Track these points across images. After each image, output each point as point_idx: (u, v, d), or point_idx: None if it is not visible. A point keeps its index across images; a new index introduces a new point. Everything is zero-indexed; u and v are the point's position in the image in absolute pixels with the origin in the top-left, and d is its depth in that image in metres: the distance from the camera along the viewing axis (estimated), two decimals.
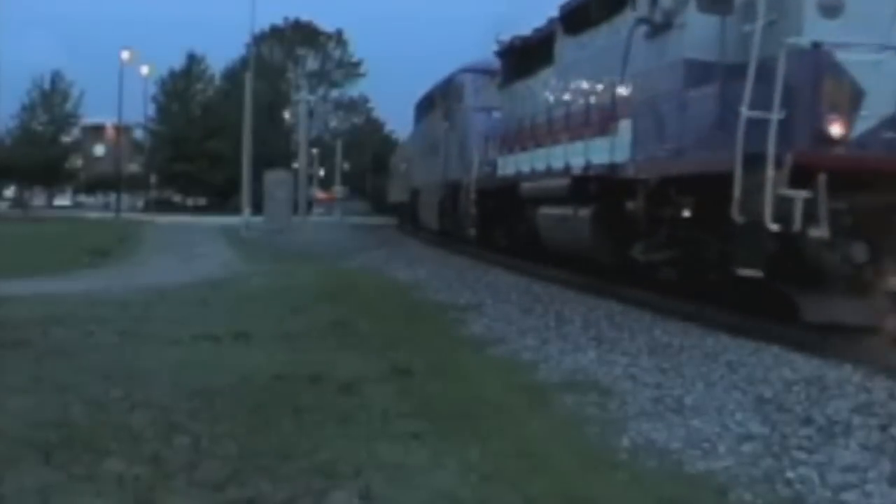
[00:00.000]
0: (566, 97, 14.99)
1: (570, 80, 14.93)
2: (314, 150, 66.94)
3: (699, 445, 5.24)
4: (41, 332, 8.55)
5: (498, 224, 20.65)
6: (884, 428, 5.62)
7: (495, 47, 20.76)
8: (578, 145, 14.09)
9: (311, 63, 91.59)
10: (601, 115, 13.20)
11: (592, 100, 13.72)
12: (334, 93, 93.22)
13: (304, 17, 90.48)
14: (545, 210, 15.84)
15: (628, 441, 5.34)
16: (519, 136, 18.15)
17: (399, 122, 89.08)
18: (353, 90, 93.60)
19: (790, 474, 4.73)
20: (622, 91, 12.34)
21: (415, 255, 23.41)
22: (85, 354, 7.57)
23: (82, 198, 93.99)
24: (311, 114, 56.26)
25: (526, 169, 17.24)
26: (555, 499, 4.29)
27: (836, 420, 5.83)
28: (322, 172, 77.83)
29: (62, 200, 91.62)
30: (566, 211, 14.34)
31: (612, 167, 12.50)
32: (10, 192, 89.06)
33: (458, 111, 25.36)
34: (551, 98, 15.92)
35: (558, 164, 15.08)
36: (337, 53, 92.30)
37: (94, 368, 6.91)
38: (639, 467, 4.85)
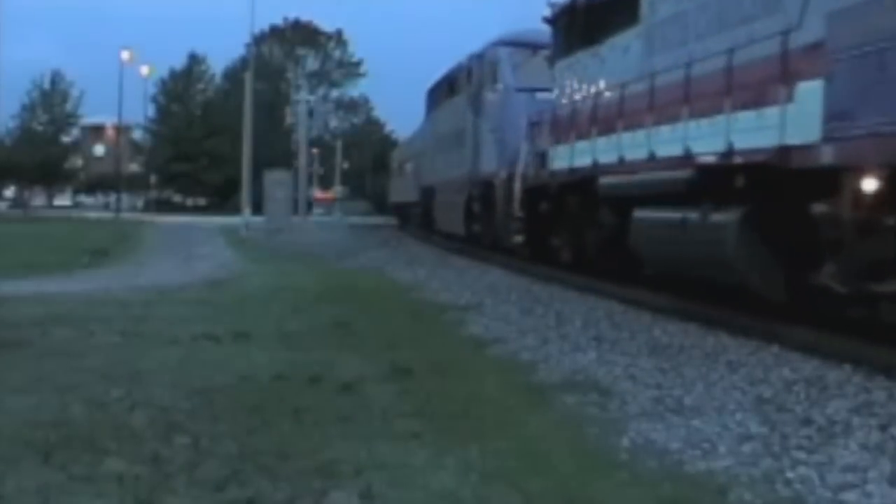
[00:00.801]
0: (676, 60, 11.00)
1: (679, 36, 11.15)
2: (314, 150, 66.92)
3: (699, 445, 5.24)
4: (41, 332, 8.55)
5: (556, 231, 16.31)
6: (884, 428, 5.62)
7: (546, 13, 16.92)
8: (709, 122, 10.14)
9: (311, 63, 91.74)
10: (754, 78, 9.32)
11: (735, 58, 9.64)
12: (334, 93, 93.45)
13: (304, 17, 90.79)
14: (644, 213, 11.66)
15: (628, 441, 5.33)
16: (590, 119, 13.86)
17: (399, 121, 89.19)
18: (353, 90, 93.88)
19: (790, 474, 4.73)
20: (802, 39, 8.52)
21: (415, 256, 23.42)
22: (85, 354, 7.57)
23: (82, 198, 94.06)
24: (310, 114, 56.16)
25: (607, 159, 13.00)
26: (555, 499, 4.29)
27: (836, 420, 5.83)
28: (322, 172, 77.79)
29: (62, 200, 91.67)
30: (685, 215, 10.37)
31: (782, 151, 8.70)
32: (9, 192, 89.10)
33: (491, 93, 21.25)
34: (645, 65, 12.07)
35: (670, 150, 11.01)
36: (337, 53, 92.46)
37: (94, 368, 6.91)
38: (639, 467, 4.85)
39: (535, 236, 17.06)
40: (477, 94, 22.48)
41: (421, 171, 33.32)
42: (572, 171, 14.64)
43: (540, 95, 17.57)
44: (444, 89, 28.34)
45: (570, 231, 15.50)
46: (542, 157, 16.36)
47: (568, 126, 14.96)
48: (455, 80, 26.20)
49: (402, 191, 43.04)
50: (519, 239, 17.67)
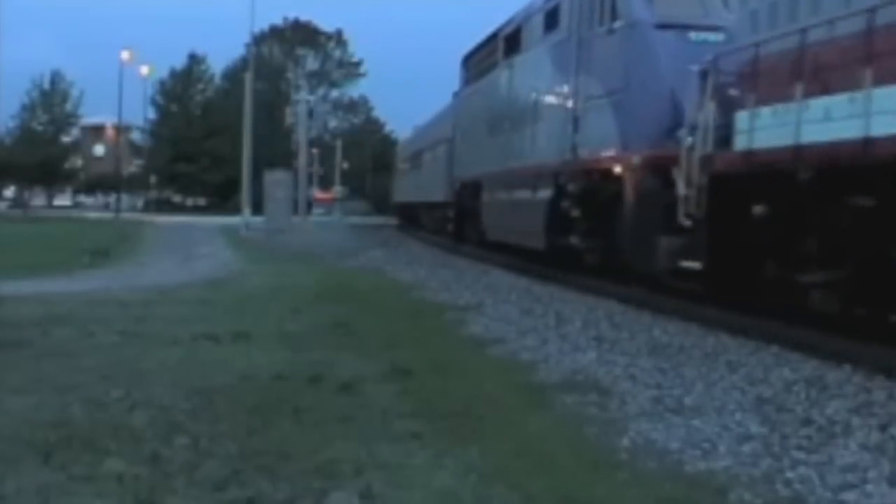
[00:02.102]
0: None
1: None
2: (314, 150, 66.92)
3: (699, 445, 5.24)
4: (41, 332, 8.55)
5: (787, 255, 9.56)
6: (884, 428, 5.62)
7: None
8: None
9: (311, 63, 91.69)
10: None
11: None
12: (334, 93, 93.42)
13: (304, 17, 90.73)
14: None
15: (628, 441, 5.33)
16: (851, 59, 8.12)
17: (399, 121, 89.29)
18: (353, 90, 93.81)
19: (790, 474, 4.73)
20: None
21: (415, 255, 23.41)
22: (85, 354, 7.57)
23: (82, 198, 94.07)
24: (310, 114, 56.15)
25: None
26: (554, 499, 4.29)
27: (836, 420, 5.83)
28: (322, 172, 77.81)
29: (62, 200, 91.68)
30: None
31: None
32: (9, 192, 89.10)
33: (606, 35, 13.67)
34: None
35: None
36: (337, 53, 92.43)
37: (94, 368, 6.91)
38: (639, 467, 4.85)
39: (727, 260, 10.36)
40: (573, 41, 14.89)
41: (456, 162, 25.60)
42: (801, 150, 8.72)
43: (693, 35, 12.06)
44: (498, 47, 20.49)
45: (831, 257, 8.92)
46: (726, 131, 10.29)
47: (789, 76, 9.07)
48: (524, 29, 18.41)
49: (412, 189, 38.90)
50: (692, 264, 10.72)
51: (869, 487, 4.54)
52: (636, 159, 12.53)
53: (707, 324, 9.83)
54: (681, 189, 10.79)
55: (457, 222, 25.33)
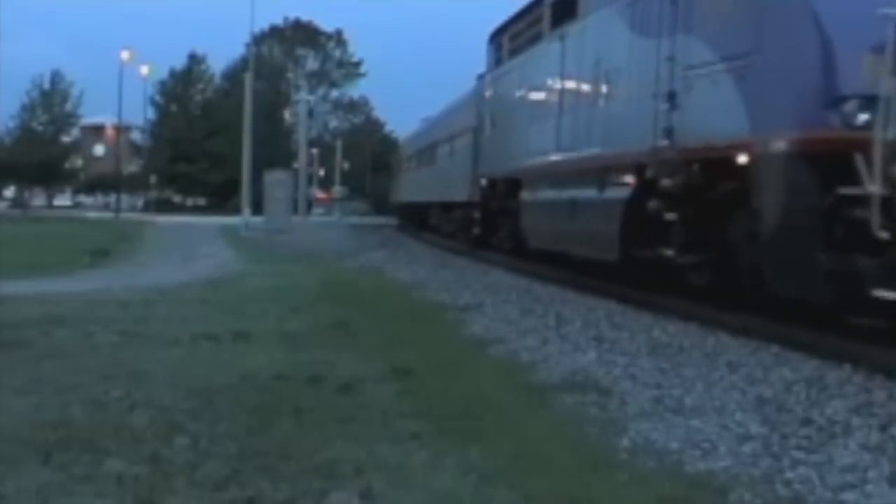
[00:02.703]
0: None
1: None
2: (314, 151, 66.97)
3: (699, 445, 5.24)
4: (41, 332, 8.54)
5: None
6: (884, 428, 5.62)
7: None
8: None
9: (311, 63, 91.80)
10: None
11: None
12: (334, 93, 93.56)
13: (304, 17, 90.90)
14: None
15: (628, 441, 5.33)
16: None
17: (399, 121, 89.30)
18: (353, 90, 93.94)
19: (790, 474, 4.73)
20: None
21: (415, 256, 23.41)
22: (85, 354, 7.57)
23: (82, 198, 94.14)
24: (310, 114, 56.25)
25: None
26: (554, 499, 4.29)
27: (836, 420, 5.83)
28: (322, 172, 77.85)
29: (62, 200, 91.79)
30: None
31: None
32: (9, 192, 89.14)
33: None
34: None
35: None
36: (337, 53, 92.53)
37: (94, 368, 6.91)
38: (638, 467, 4.85)
39: None
40: None
41: (483, 155, 21.89)
42: None
43: None
44: (543, 16, 17.11)
45: None
46: None
47: None
48: None
49: (420, 188, 34.94)
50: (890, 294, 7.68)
51: (869, 488, 4.54)
52: (780, 144, 8.82)
53: (707, 324, 9.83)
54: (872, 186, 7.61)
55: (482, 226, 21.68)
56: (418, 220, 36.44)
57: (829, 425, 5.72)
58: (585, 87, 14.37)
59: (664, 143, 11.00)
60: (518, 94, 18.67)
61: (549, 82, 16.33)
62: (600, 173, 13.31)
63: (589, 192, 13.63)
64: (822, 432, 5.56)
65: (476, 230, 22.57)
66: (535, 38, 17.72)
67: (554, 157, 15.47)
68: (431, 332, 9.71)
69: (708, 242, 10.51)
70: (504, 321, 10.45)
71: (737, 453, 5.10)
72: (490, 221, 21.18)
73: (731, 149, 9.74)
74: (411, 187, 39.27)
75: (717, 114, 10.08)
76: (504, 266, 18.30)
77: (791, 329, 8.87)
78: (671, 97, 10.96)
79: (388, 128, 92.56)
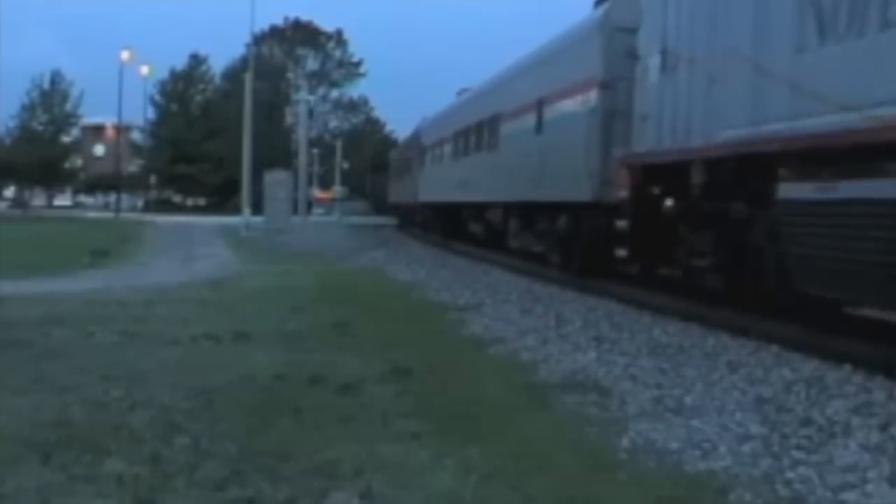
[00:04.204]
0: None
1: None
2: (314, 150, 66.96)
3: (699, 445, 5.24)
4: (41, 332, 8.55)
5: None
6: (884, 428, 5.62)
7: None
8: None
9: (311, 63, 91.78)
10: None
11: None
12: (334, 93, 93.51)
13: (304, 17, 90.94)
14: None
15: (628, 441, 5.33)
16: None
17: (399, 122, 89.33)
18: (353, 90, 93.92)
19: (790, 474, 4.73)
20: None
21: (415, 256, 23.40)
22: (85, 354, 7.58)
23: (82, 198, 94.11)
24: (310, 114, 56.21)
25: None
26: (554, 499, 4.29)
27: (836, 420, 5.83)
28: (322, 172, 77.87)
29: (62, 200, 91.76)
30: None
31: None
32: (10, 192, 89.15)
33: None
34: None
35: None
36: (337, 53, 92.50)
37: (94, 368, 6.91)
38: (639, 467, 4.85)
39: None
40: None
41: (639, 128, 12.33)
42: None
43: None
44: None
45: None
46: None
47: None
48: None
49: (453, 185, 26.08)
50: None
51: (869, 487, 4.54)
52: None
53: (707, 324, 9.83)
54: None
55: (638, 243, 12.19)
56: (442, 224, 28.53)
57: (829, 425, 5.72)
58: None
59: None
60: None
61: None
62: None
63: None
64: (822, 432, 5.56)
65: (621, 251, 12.44)
66: None
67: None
68: (431, 331, 9.71)
69: None
70: (504, 321, 10.45)
71: (737, 453, 5.10)
72: (652, 235, 11.87)
73: None
74: (437, 184, 29.26)
75: None
76: (504, 266, 18.29)
77: (791, 329, 8.87)
78: None
79: (388, 128, 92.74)
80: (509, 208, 20.56)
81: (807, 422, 5.80)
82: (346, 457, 4.74)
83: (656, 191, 11.80)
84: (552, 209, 16.91)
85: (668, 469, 4.84)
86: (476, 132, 24.38)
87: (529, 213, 18.75)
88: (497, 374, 7.38)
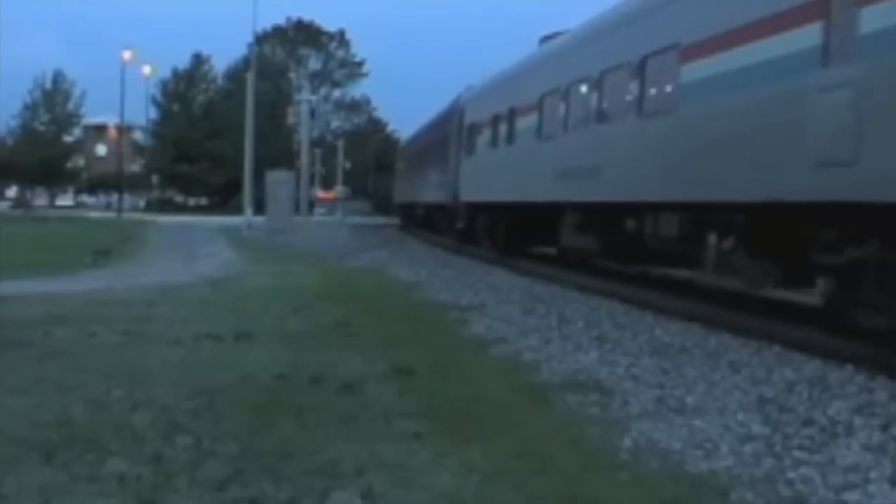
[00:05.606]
0: None
1: None
2: (316, 150, 66.97)
3: (701, 445, 5.24)
4: (43, 332, 8.55)
5: None
6: (885, 428, 5.61)
7: None
8: None
9: (314, 63, 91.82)
10: None
11: None
12: (336, 93, 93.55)
13: (307, 17, 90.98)
14: None
15: (630, 441, 5.33)
16: None
17: (400, 122, 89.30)
18: (355, 90, 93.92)
19: (792, 474, 4.72)
20: None
21: (416, 256, 23.39)
22: (86, 354, 7.58)
23: (84, 197, 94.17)
24: (312, 114, 56.21)
25: None
26: (556, 499, 4.28)
27: (838, 420, 5.82)
28: (324, 172, 77.86)
29: (64, 200, 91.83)
30: None
31: None
32: (12, 191, 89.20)
33: None
34: None
35: None
36: (339, 53, 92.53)
37: (96, 368, 6.92)
38: (641, 467, 4.84)
39: None
40: None
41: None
42: None
43: None
44: None
45: None
46: None
47: None
48: None
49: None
50: None
51: (871, 488, 4.53)
52: None
53: (709, 324, 9.82)
54: None
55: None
56: (507, 234, 20.67)
57: (831, 425, 5.71)
58: None
59: None
60: None
61: None
62: None
63: None
64: (824, 432, 5.55)
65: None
66: None
67: None
68: (433, 331, 9.70)
69: None
70: (506, 321, 10.44)
71: (739, 453, 5.10)
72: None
73: None
74: (501, 176, 20.30)
75: None
76: (506, 266, 18.28)
77: (793, 329, 8.86)
78: None
79: (389, 128, 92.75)
80: (705, 214, 11.29)
81: (809, 422, 5.80)
82: (348, 456, 4.74)
83: None
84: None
85: (670, 469, 4.84)
86: (597, 88, 14.31)
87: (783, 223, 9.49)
88: (499, 374, 7.37)
